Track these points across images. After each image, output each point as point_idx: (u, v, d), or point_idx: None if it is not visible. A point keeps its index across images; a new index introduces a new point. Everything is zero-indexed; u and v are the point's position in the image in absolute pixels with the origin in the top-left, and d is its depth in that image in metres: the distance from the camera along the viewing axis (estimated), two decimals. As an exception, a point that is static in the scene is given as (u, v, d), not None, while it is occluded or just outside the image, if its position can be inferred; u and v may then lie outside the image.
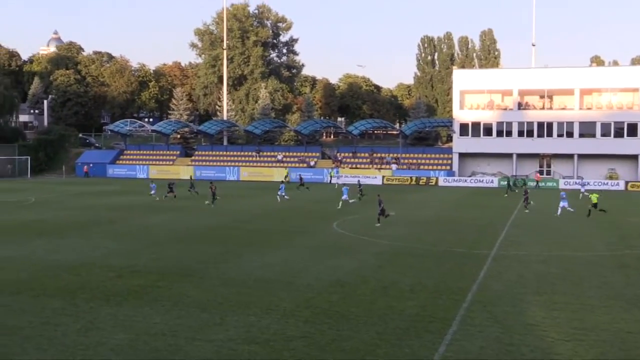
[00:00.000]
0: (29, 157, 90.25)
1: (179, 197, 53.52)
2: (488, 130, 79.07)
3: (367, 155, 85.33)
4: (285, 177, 77.37)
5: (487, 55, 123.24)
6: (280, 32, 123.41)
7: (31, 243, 30.72)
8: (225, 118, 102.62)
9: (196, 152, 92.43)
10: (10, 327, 16.96)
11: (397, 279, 23.16)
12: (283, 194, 53.67)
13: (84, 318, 17.86)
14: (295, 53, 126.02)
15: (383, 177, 78.25)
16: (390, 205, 49.70)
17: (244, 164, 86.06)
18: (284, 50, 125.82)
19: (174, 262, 25.96)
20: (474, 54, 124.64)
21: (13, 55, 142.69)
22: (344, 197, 48.12)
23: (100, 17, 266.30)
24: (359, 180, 65.70)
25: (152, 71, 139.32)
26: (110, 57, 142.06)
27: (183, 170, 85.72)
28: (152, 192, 54.84)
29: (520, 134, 77.58)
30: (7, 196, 56.51)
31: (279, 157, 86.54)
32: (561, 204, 43.35)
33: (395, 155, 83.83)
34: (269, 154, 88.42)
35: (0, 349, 15.34)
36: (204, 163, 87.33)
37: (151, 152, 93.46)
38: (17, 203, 49.91)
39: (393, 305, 19.44)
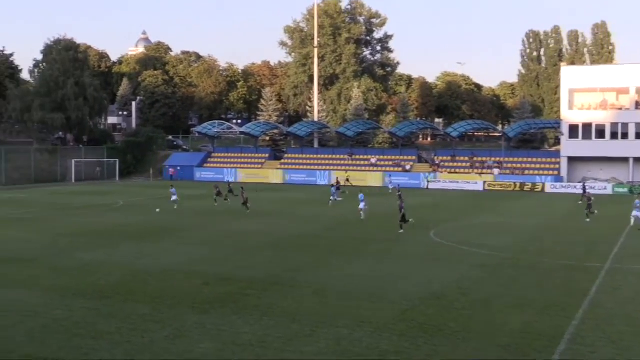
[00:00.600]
0: (117, 160, 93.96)
1: (261, 202, 54.34)
2: (600, 132, 76.33)
3: (466, 159, 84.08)
4: (347, 179, 78.12)
5: (600, 50, 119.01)
6: (374, 29, 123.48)
7: (119, 247, 32.00)
8: (316, 119, 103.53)
9: (286, 155, 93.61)
10: (99, 332, 17.73)
11: (499, 292, 22.72)
12: (336, 197, 54.14)
13: (171, 325, 18.44)
14: (389, 50, 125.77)
15: (484, 182, 76.89)
16: (492, 213, 48.79)
17: (335, 167, 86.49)
18: (378, 48, 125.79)
19: (263, 270, 26.40)
20: (585, 49, 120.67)
21: (103, 56, 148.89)
22: (362, 205, 45.52)
23: (188, 17, 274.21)
24: (398, 185, 62.21)
25: (240, 71, 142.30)
26: (198, 57, 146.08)
27: (272, 174, 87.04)
28: (173, 197, 52.05)
29: (638, 136, 74.53)
30: (96, 199, 59.01)
31: (373, 161, 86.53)
32: (634, 212, 40.96)
33: (497, 159, 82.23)
34: (362, 157, 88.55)
35: (90, 353, 16.06)
36: (293, 166, 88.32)
37: (239, 154, 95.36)
38: (106, 206, 52.03)
39: (494, 321, 19.09)
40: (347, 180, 76.39)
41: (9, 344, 16.71)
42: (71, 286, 23.19)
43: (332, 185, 59.85)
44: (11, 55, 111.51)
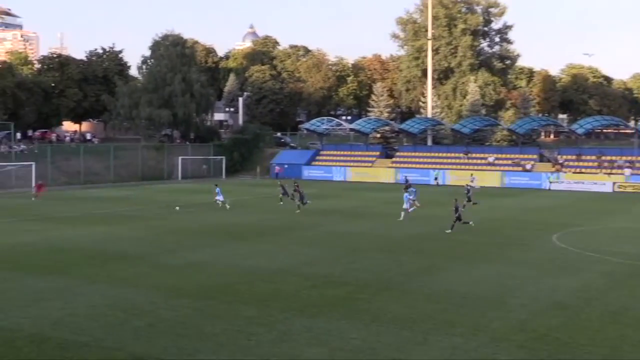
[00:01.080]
0: (223, 157, 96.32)
1: (372, 202, 54.18)
2: None
3: (594, 158, 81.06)
4: (435, 178, 76.99)
5: None
6: (492, 19, 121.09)
7: (226, 247, 32.73)
8: (429, 115, 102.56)
9: (397, 153, 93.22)
10: (205, 333, 18.15)
11: (631, 304, 21.71)
12: (413, 198, 53.06)
13: (277, 329, 18.64)
14: (509, 42, 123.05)
15: (614, 183, 73.88)
16: (623, 217, 46.81)
17: (450, 166, 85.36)
18: (497, 39, 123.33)
19: (373, 273, 26.33)
20: None
21: (209, 51, 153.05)
22: (406, 205, 45.27)
23: (296, 9, 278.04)
24: (468, 186, 59.42)
25: (350, 65, 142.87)
26: (307, 50, 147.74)
27: (383, 173, 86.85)
28: (218, 197, 51.83)
29: None
30: (203, 197, 60.65)
31: (490, 159, 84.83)
32: None
33: (629, 158, 78.80)
34: (478, 155, 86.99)
35: (194, 355, 16.46)
36: (406, 165, 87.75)
37: (349, 152, 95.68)
38: (213, 205, 53.32)
39: (626, 335, 18.25)
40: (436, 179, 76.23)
41: (115, 342, 17.36)
42: (176, 285, 23.88)
43: (407, 187, 56.80)
44: (120, 51, 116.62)
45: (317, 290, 23.28)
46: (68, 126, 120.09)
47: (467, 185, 58.09)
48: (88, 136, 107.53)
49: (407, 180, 69.54)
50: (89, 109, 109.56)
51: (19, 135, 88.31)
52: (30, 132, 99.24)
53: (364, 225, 41.42)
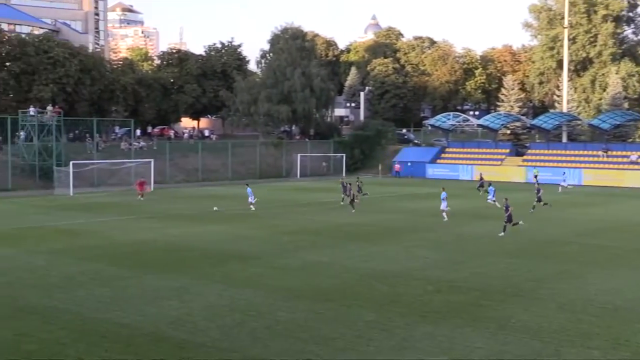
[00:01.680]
0: (343, 155, 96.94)
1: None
2: None
3: None
4: (535, 176, 74.25)
5: None
6: (639, 2, 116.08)
7: (344, 247, 32.97)
8: (564, 110, 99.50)
9: (529, 151, 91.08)
10: (323, 337, 18.35)
11: None
12: (494, 198, 51.32)
13: (398, 335, 18.62)
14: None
15: None
16: None
17: (587, 165, 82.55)
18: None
19: (501, 279, 25.85)
20: None
21: (330, 44, 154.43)
22: (443, 205, 44.49)
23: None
24: (537, 185, 56.15)
25: (478, 57, 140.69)
26: (432, 42, 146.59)
27: (513, 172, 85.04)
28: (251, 198, 50.38)
29: None
30: (322, 196, 61.32)
31: (633, 158, 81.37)
32: None
33: None
34: (619, 153, 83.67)
35: (312, 358, 16.68)
36: (538, 163, 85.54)
37: (476, 150, 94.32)
38: (331, 204, 53.80)
39: None
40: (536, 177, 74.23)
41: (232, 343, 17.82)
42: (294, 287, 24.25)
43: (490, 185, 54.93)
44: (239, 46, 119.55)
45: (441, 296, 23.09)
46: (186, 122, 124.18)
47: (537, 184, 56.21)
48: (206, 133, 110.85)
49: (482, 178, 68.09)
50: (207, 104, 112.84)
51: (138, 132, 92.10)
52: (149, 129, 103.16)
53: (490, 227, 40.69)
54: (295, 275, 26.40)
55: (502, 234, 37.32)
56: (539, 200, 49.72)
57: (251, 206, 49.94)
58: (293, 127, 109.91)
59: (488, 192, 52.74)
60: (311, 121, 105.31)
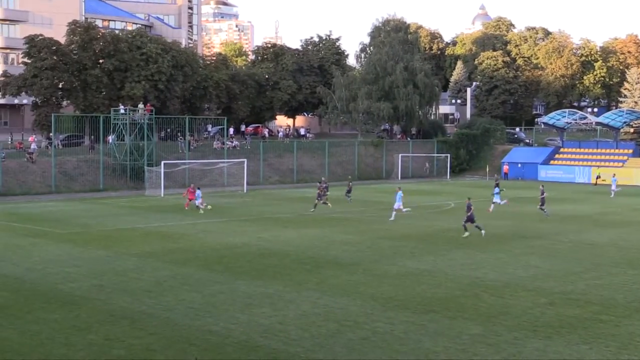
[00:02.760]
0: (448, 155, 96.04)
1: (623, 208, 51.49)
2: None
3: None
4: (598, 177, 71.25)
5: None
6: None
7: (448, 255, 32.62)
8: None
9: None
10: (424, 351, 18.17)
11: None
12: (499, 200, 49.81)
13: (505, 350, 18.26)
14: None
15: None
16: None
17: None
18: None
19: (623, 292, 25.09)
20: None
21: (435, 37, 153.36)
22: (397, 205, 46.19)
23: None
24: (542, 187, 52.92)
25: (598, 48, 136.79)
26: (546, 33, 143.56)
27: (637, 175, 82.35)
28: (198, 201, 50.12)
29: None
30: (424, 199, 60.89)
31: None
32: None
33: None
34: None
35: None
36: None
37: (594, 150, 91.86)
38: (435, 207, 53.40)
39: None
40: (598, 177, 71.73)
41: (327, 354, 17.85)
42: (393, 296, 24.13)
43: (496, 186, 55.38)
44: (337, 39, 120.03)
45: (554, 309, 22.54)
46: (281, 121, 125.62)
47: (542, 186, 54.77)
48: (302, 131, 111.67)
49: (497, 178, 66.28)
50: (304, 102, 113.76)
51: (231, 130, 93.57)
52: (242, 127, 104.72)
53: (611, 235, 39.52)
54: (394, 283, 26.27)
55: (466, 234, 38.55)
56: (542, 203, 49.17)
57: (203, 208, 49.84)
58: (394, 126, 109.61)
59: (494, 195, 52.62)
60: (414, 119, 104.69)
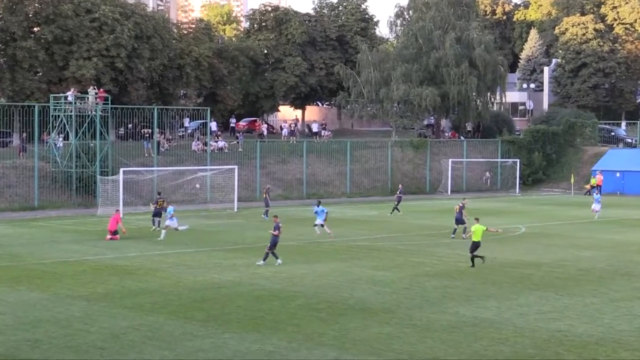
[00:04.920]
0: (517, 160, 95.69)
1: None
2: None
3: None
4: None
5: None
6: None
7: (517, 299, 32.45)
8: None
9: None
10: None
11: None
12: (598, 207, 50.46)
13: None
14: None
15: None
16: None
17: None
18: None
19: None
20: None
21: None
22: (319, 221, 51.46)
23: None
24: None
25: None
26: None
27: None
28: (170, 221, 51.10)
29: None
30: (486, 221, 60.63)
31: None
32: None
33: None
34: None
35: None
36: None
37: None
38: (498, 233, 53.00)
39: None
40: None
41: None
42: (441, 356, 24.00)
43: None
44: (364, 1, 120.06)
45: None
46: (286, 113, 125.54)
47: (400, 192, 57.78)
48: (314, 127, 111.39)
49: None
50: (317, 87, 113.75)
51: (214, 125, 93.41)
52: (232, 122, 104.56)
53: None
54: (442, 338, 26.14)
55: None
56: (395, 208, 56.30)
57: (173, 230, 51.14)
58: (442, 120, 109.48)
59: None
60: (469, 110, 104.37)
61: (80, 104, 72.79)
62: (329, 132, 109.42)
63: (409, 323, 28.22)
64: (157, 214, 53.86)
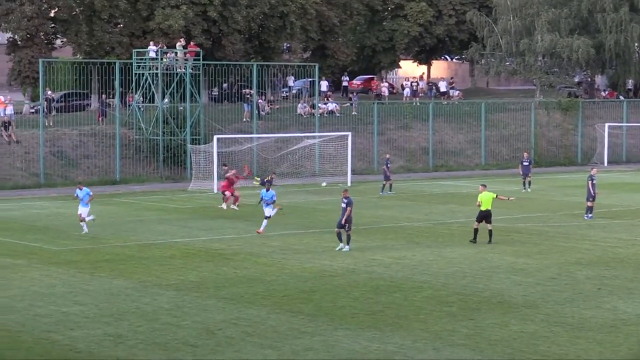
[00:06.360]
0: None
1: None
2: None
3: None
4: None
5: None
6: None
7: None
8: None
9: None
10: None
11: None
12: None
13: None
14: None
15: None
16: None
17: None
18: None
19: None
20: None
21: None
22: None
23: None
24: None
25: None
26: None
27: None
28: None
29: None
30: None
31: None
32: None
33: None
34: None
35: None
36: None
37: None
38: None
39: None
40: None
41: None
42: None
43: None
44: None
45: None
46: (408, 69, 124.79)
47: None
48: (442, 86, 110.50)
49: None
50: (444, 38, 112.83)
51: (326, 85, 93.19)
52: (344, 80, 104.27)
53: None
54: (598, 339, 25.84)
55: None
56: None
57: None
58: (597, 76, 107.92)
59: None
60: (630, 65, 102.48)
61: (168, 60, 73.12)
62: (459, 92, 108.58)
63: (557, 320, 27.97)
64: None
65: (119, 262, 37.54)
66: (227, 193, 54.30)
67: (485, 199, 41.96)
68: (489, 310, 29.12)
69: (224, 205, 54.03)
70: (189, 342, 25.22)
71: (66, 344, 25.06)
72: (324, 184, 57.12)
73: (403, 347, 24.70)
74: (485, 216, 41.96)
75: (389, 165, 63.67)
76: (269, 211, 45.20)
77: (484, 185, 42.86)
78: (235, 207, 53.35)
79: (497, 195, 42.57)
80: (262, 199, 45.74)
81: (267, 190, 46.23)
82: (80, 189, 46.03)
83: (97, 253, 39.76)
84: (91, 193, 46.52)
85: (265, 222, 44.79)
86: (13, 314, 28.48)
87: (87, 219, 45.43)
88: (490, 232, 42.19)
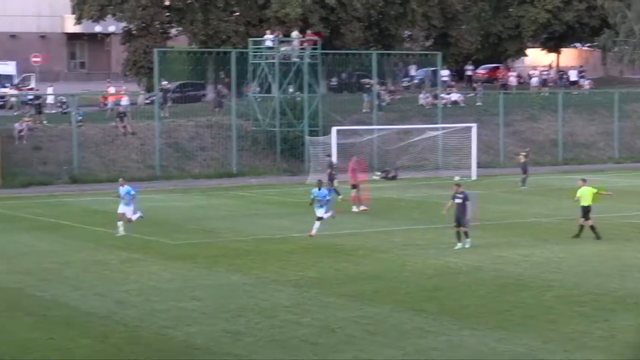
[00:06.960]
0: None
1: None
2: None
3: None
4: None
5: None
6: None
7: None
8: None
9: None
10: None
11: None
12: None
13: None
14: None
15: None
16: None
17: None
18: None
19: None
20: None
21: None
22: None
23: None
24: None
25: None
26: None
27: None
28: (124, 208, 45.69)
29: None
30: None
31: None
32: None
33: None
34: None
35: None
36: None
37: None
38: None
39: None
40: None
41: None
42: None
43: None
44: None
45: None
46: (536, 57, 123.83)
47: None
48: (572, 75, 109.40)
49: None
50: (574, 24, 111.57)
51: (446, 74, 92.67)
52: (468, 70, 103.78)
53: None
54: None
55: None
56: None
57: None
58: None
59: None
60: None
61: (285, 49, 73.36)
62: (591, 81, 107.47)
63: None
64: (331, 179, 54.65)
65: (236, 256, 37.91)
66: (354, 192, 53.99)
67: (585, 194, 41.89)
68: (625, 311, 28.73)
69: (354, 208, 53.59)
70: (309, 340, 25.35)
71: (183, 339, 25.40)
72: (456, 177, 56.58)
73: (533, 348, 24.52)
74: (585, 212, 41.83)
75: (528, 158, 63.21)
76: (321, 212, 43.73)
77: (584, 180, 42.62)
78: (365, 207, 52.89)
79: (598, 190, 42.26)
80: (314, 198, 44.30)
81: (319, 188, 44.67)
82: (122, 186, 45.03)
83: (214, 247, 40.22)
84: (133, 192, 45.32)
85: (317, 223, 43.47)
86: (130, 308, 28.93)
87: (133, 218, 44.49)
88: (592, 227, 41.92)
